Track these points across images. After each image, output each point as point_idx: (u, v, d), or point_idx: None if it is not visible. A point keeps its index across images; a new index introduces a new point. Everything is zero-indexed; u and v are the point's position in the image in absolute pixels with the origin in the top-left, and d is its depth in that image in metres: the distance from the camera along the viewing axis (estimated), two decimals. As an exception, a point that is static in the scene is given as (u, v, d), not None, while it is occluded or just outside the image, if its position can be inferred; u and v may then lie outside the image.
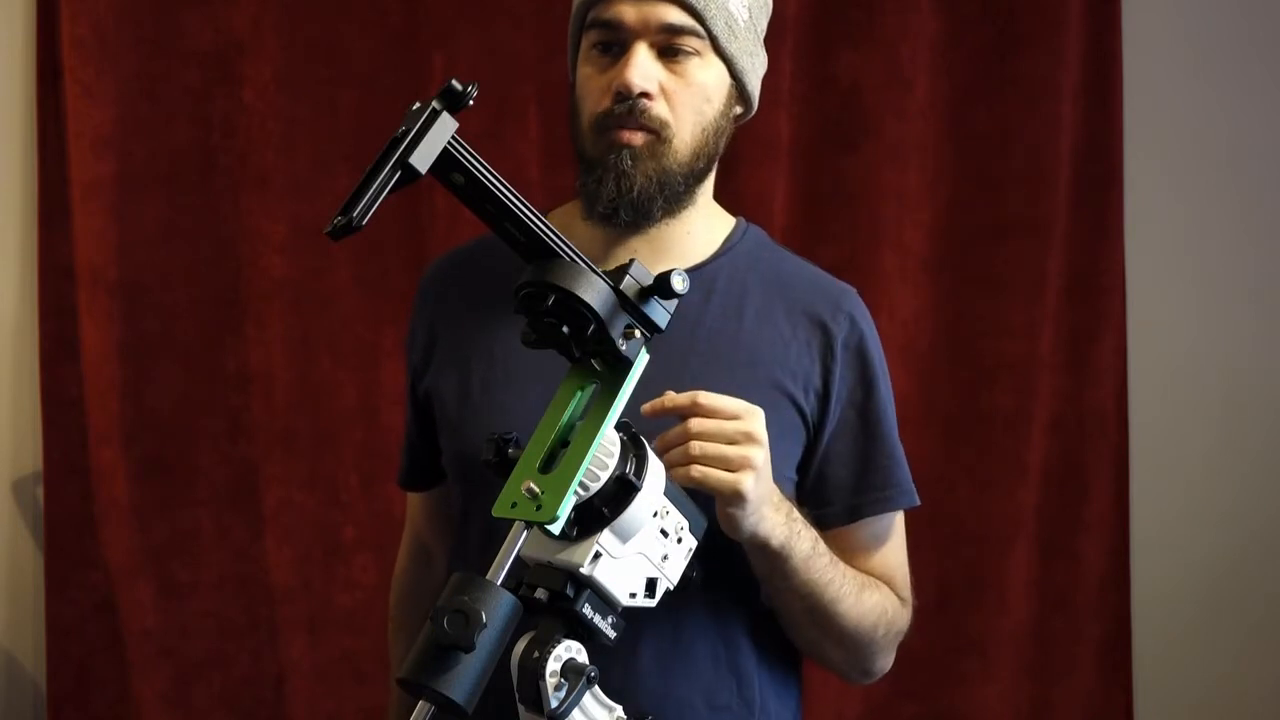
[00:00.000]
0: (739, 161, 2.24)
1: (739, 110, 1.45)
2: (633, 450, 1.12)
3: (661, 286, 1.09)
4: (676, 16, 1.36)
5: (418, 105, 1.00)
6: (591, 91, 1.38)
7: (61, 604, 2.34)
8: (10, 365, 2.37)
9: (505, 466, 1.10)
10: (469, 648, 0.98)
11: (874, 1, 2.30)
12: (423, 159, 0.98)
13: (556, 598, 1.09)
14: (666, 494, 1.14)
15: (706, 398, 1.22)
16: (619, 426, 1.11)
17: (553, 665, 1.06)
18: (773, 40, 2.25)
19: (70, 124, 2.28)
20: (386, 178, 0.97)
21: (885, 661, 1.46)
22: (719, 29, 1.38)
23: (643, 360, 1.10)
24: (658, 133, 1.36)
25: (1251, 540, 2.37)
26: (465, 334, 1.46)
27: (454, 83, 0.99)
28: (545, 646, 1.06)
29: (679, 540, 1.15)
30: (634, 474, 1.10)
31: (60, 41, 2.27)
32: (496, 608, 1.00)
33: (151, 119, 2.32)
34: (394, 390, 2.30)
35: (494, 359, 1.41)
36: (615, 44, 1.37)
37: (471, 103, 1.00)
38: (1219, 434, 2.38)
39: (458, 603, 0.99)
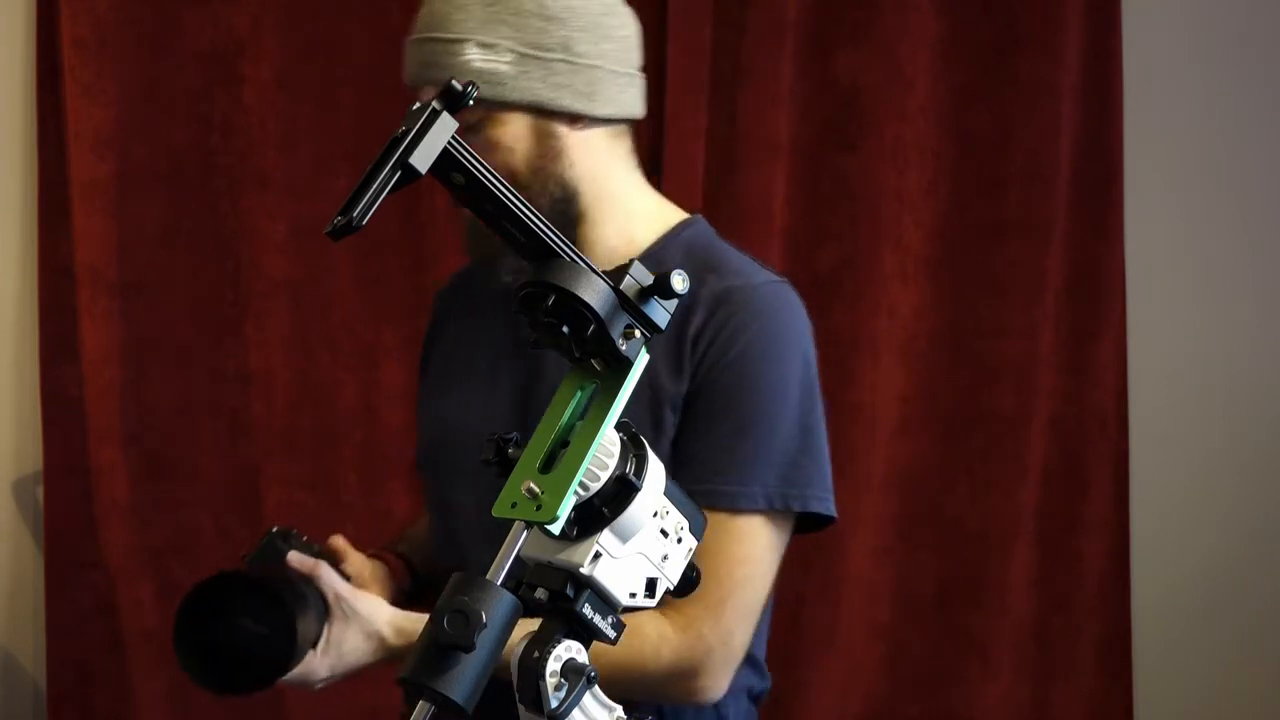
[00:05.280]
0: (739, 162, 2.24)
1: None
2: (633, 450, 1.11)
3: (661, 286, 1.08)
4: None
5: (418, 105, 0.99)
6: None
7: (61, 604, 2.34)
8: (10, 365, 2.37)
9: (505, 466, 1.10)
10: (469, 648, 0.98)
11: (874, 1, 2.30)
12: (423, 159, 0.97)
13: (556, 598, 1.09)
14: (666, 494, 1.14)
15: None
16: (619, 426, 1.11)
17: (553, 665, 1.06)
18: (773, 41, 2.28)
19: (70, 124, 2.28)
20: (386, 178, 0.96)
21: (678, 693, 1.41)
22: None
23: (643, 360, 1.10)
24: None
25: (1251, 540, 2.37)
26: (446, 348, 1.58)
27: (454, 83, 0.99)
28: (545, 646, 1.06)
29: (679, 540, 1.15)
30: (634, 474, 1.10)
31: (60, 41, 2.27)
32: (496, 607, 1.00)
33: (151, 119, 2.31)
34: (394, 390, 2.30)
35: (444, 368, 1.54)
36: None
37: (471, 103, 1.00)
38: (1219, 434, 2.38)
39: (458, 603, 0.99)
